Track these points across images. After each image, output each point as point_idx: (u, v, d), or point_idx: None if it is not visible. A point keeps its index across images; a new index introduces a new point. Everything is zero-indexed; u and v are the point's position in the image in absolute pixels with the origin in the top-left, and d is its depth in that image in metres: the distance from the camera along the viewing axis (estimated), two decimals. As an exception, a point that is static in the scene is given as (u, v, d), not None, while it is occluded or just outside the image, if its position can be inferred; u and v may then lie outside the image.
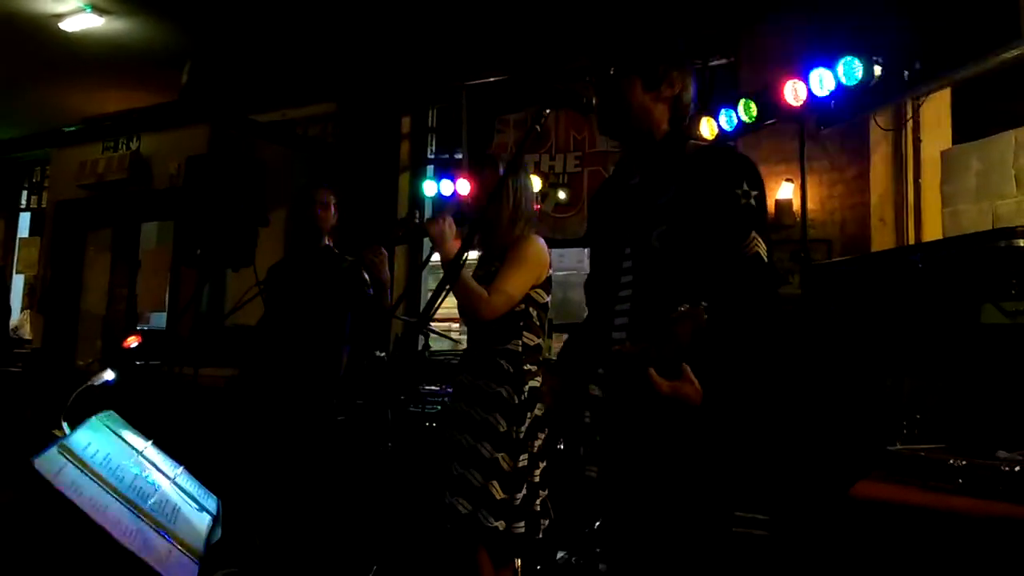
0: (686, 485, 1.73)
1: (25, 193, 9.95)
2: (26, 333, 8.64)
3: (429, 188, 6.32)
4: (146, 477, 1.78)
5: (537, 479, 2.70)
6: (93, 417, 1.84)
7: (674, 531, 1.73)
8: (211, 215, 4.90)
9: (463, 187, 6.06)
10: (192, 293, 5.66)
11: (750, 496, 2.95)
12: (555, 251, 6.02)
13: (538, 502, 2.70)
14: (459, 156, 6.63)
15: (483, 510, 2.58)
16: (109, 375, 1.71)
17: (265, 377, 3.80)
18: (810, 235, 4.73)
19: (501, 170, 2.83)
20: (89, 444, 1.69)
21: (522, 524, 2.63)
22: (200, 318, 5.82)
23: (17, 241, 9.82)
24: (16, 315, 9.27)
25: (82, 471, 1.58)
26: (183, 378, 4.57)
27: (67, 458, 1.58)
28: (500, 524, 2.57)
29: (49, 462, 1.51)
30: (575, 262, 6.64)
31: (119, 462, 1.73)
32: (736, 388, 1.68)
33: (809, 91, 3.71)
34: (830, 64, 3.59)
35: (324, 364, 3.73)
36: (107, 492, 1.59)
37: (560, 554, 3.57)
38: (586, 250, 6.18)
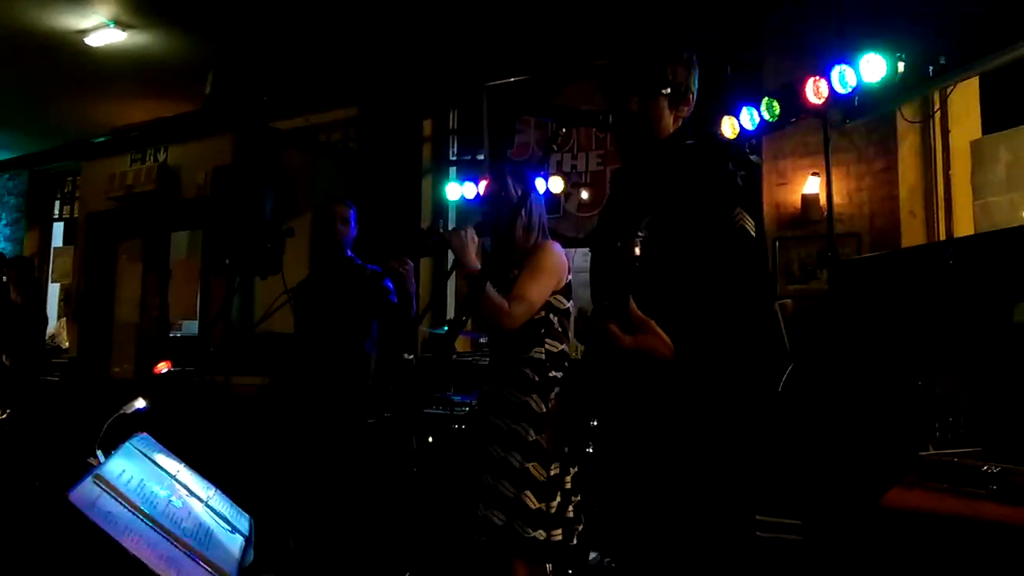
0: (689, 480, 1.72)
1: (58, 203, 10.14)
2: (63, 341, 8.80)
3: (452, 192, 6.33)
4: (180, 501, 1.81)
5: (569, 485, 2.70)
6: (127, 442, 1.87)
7: (680, 531, 1.73)
8: (238, 225, 4.96)
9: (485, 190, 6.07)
10: (222, 302, 5.73)
11: (781, 500, 2.94)
12: (580, 250, 6.07)
13: (571, 508, 2.70)
14: (481, 157, 6.63)
15: (519, 520, 2.58)
16: (141, 403, 1.75)
17: (295, 388, 3.85)
18: (839, 229, 4.67)
19: (510, 181, 2.83)
20: (123, 471, 1.72)
21: (559, 531, 2.63)
22: (230, 326, 5.90)
23: (52, 251, 10.02)
24: (53, 324, 9.47)
25: (117, 500, 1.61)
26: (215, 386, 4.64)
27: (102, 487, 1.61)
28: (539, 534, 2.58)
29: (84, 493, 1.54)
30: (600, 261, 6.63)
31: (152, 488, 1.76)
32: (717, 355, 1.64)
33: (831, 89, 3.66)
34: (852, 61, 3.53)
35: (352, 374, 3.77)
36: (141, 520, 1.61)
37: (592, 555, 3.57)
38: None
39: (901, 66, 3.41)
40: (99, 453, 1.72)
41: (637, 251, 1.46)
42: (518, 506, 2.59)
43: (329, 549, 3.59)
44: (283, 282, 4.06)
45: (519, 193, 2.79)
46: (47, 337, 8.95)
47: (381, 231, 6.10)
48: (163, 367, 4.55)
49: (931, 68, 3.29)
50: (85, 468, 1.65)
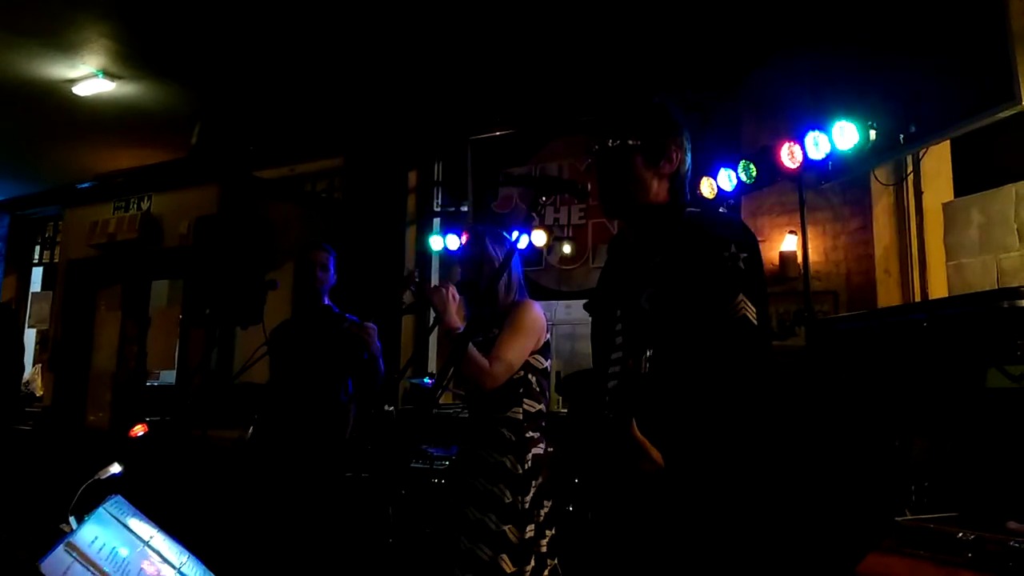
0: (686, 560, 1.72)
1: (38, 248, 10.10)
2: (37, 388, 8.67)
3: (435, 243, 6.38)
4: (152, 569, 1.79)
5: (545, 549, 2.68)
6: (100, 507, 1.85)
7: None
8: (220, 275, 4.96)
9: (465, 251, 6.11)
10: (201, 352, 5.69)
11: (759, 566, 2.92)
12: (563, 303, 6.11)
13: (547, 572, 2.68)
14: (465, 209, 6.70)
15: None
16: (116, 469, 1.73)
17: (270, 439, 3.82)
18: (816, 287, 4.74)
19: (489, 242, 2.87)
20: (96, 539, 1.70)
21: (533, 596, 2.61)
22: (209, 377, 5.85)
23: (30, 295, 9.94)
24: (28, 369, 9.34)
25: (88, 569, 1.59)
26: (193, 439, 4.59)
27: (73, 556, 1.59)
28: None
29: (56, 563, 1.52)
30: (582, 314, 6.66)
31: (125, 556, 1.74)
32: (710, 453, 1.66)
33: (805, 154, 3.75)
34: (825, 128, 3.63)
35: (328, 422, 3.74)
36: (112, 590, 1.59)
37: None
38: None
39: (873, 134, 3.51)
40: (72, 519, 1.70)
41: (646, 366, 1.49)
42: (494, 570, 2.57)
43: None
44: (264, 333, 4.04)
45: (499, 255, 2.83)
46: (23, 384, 8.83)
47: (365, 281, 6.12)
48: (139, 430, 4.48)
49: (902, 136, 3.39)
50: (57, 535, 1.63)
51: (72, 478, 1.85)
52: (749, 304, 1.69)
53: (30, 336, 9.81)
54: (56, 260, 9.17)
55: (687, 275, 1.73)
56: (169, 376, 6.81)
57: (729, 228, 1.79)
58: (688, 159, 1.94)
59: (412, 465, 4.59)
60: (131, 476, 2.03)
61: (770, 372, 1.72)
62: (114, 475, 1.72)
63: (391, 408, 5.50)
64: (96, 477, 1.68)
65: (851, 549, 2.36)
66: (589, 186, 1.92)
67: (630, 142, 1.86)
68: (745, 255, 1.73)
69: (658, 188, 1.90)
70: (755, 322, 1.68)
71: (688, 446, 1.63)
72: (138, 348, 6.60)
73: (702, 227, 1.81)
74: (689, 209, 1.89)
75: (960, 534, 2.18)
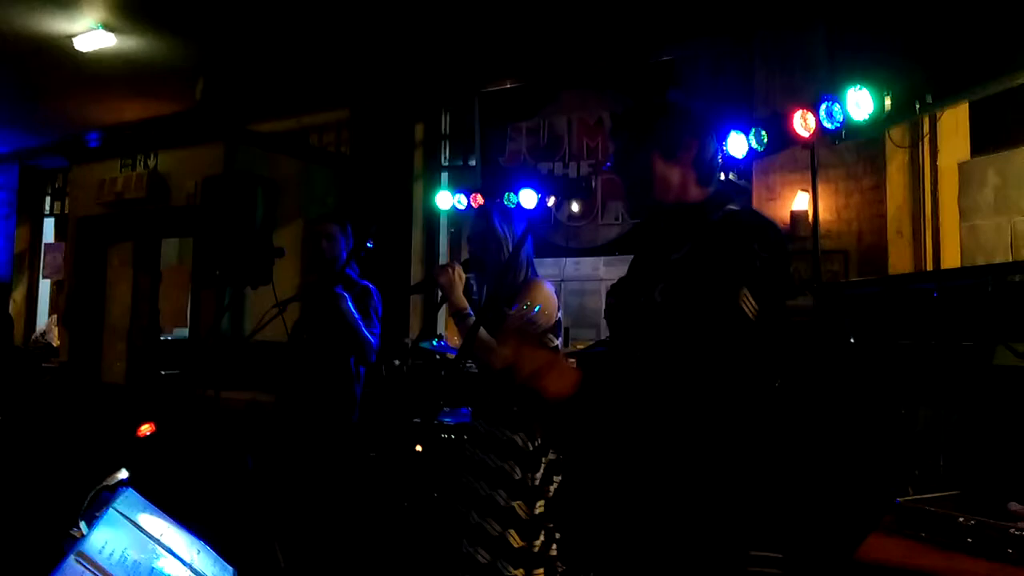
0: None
1: (48, 199, 10.10)
2: (53, 339, 8.79)
3: (443, 200, 6.25)
4: (164, 569, 1.83)
5: (554, 524, 2.73)
6: (110, 507, 1.88)
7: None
8: (228, 236, 4.96)
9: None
10: (213, 310, 5.73)
11: (763, 534, 2.96)
12: (571, 260, 6.07)
13: (555, 547, 2.74)
14: (472, 164, 6.62)
15: (502, 559, 2.62)
16: (123, 474, 1.77)
17: (286, 402, 3.88)
18: (826, 246, 4.68)
19: (497, 220, 2.84)
20: (106, 544, 1.72)
21: (541, 571, 2.67)
22: (222, 338, 5.90)
23: (42, 246, 10.00)
24: (43, 320, 9.46)
25: (100, 578, 1.62)
26: (206, 400, 4.66)
27: (84, 565, 1.62)
28: (519, 572, 2.62)
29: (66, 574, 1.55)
30: (591, 270, 6.65)
31: (137, 558, 1.78)
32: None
33: (819, 123, 3.65)
34: (839, 98, 3.52)
35: (336, 391, 3.76)
36: (124, 598, 1.63)
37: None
38: (602, 259, 6.04)
39: (888, 102, 3.41)
40: (82, 523, 1.73)
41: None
42: (502, 544, 2.63)
43: (318, 565, 3.61)
44: (274, 294, 4.05)
45: (505, 231, 2.80)
46: (39, 334, 8.98)
47: (373, 237, 6.10)
48: (146, 430, 4.51)
49: (917, 104, 3.29)
50: (68, 543, 1.66)
51: (91, 436, 1.88)
52: (751, 300, 1.67)
53: (44, 286, 9.91)
54: (67, 211, 9.19)
55: (703, 271, 1.72)
56: (182, 331, 6.89)
57: (758, 230, 1.75)
58: (710, 142, 1.89)
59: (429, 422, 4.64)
60: (140, 476, 2.07)
61: (757, 370, 1.73)
62: (122, 480, 1.75)
63: (398, 363, 5.56)
64: (104, 484, 1.71)
65: (853, 530, 2.39)
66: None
67: (645, 143, 1.85)
68: (766, 255, 1.70)
69: (683, 180, 1.87)
70: (751, 317, 1.66)
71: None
72: (151, 304, 6.66)
73: (731, 227, 1.78)
74: (729, 207, 1.85)
75: (961, 518, 2.19)
